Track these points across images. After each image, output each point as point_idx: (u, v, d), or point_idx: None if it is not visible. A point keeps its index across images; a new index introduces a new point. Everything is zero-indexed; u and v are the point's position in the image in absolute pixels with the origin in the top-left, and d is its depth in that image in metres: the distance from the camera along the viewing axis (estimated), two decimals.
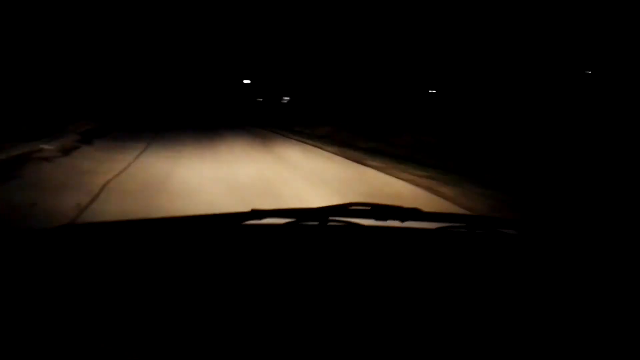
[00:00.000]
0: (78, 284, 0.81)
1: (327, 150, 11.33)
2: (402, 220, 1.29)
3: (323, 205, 1.28)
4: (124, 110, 21.52)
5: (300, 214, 1.26)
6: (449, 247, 1.18)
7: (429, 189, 6.53)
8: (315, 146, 12.35)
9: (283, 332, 0.69)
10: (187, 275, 0.88)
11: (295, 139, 14.45)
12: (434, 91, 29.05)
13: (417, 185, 6.79)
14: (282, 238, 1.16)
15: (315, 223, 1.24)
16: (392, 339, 0.69)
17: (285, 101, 40.71)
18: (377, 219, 1.27)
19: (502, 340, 0.72)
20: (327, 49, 28.66)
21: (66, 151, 9.13)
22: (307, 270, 0.94)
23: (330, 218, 1.25)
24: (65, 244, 1.05)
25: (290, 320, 0.73)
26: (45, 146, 9.12)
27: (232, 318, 0.72)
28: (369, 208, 1.27)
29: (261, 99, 45.45)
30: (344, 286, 0.86)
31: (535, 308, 0.85)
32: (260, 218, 1.22)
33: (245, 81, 42.59)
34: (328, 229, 1.24)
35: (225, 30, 36.95)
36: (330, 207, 1.28)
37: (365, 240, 1.19)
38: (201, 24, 34.55)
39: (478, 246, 1.21)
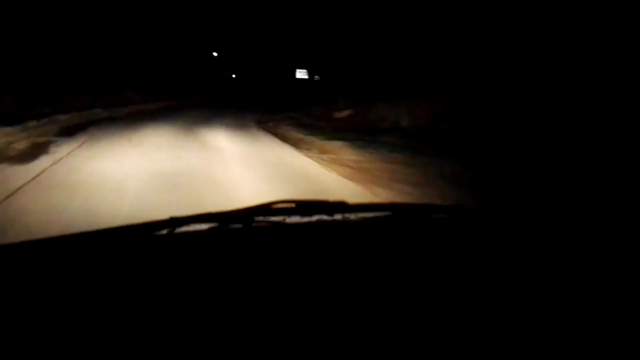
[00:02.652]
0: None
1: None
2: (329, 214, 1.29)
3: (246, 207, 1.25)
4: None
5: (222, 218, 1.21)
6: (376, 237, 1.18)
7: None
8: None
9: (207, 349, 0.67)
10: (97, 301, 0.80)
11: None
12: None
13: None
14: (204, 246, 1.12)
15: (240, 226, 1.20)
16: (315, 341, 0.69)
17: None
18: (302, 215, 1.26)
19: (431, 333, 0.71)
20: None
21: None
22: (233, 277, 0.92)
23: (255, 219, 1.23)
24: None
25: (215, 334, 0.70)
26: None
27: (152, 342, 0.68)
28: (293, 205, 1.26)
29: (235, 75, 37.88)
30: (272, 289, 0.86)
31: (469, 294, 0.83)
32: (180, 225, 1.16)
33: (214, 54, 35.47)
34: (253, 231, 1.21)
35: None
36: (254, 208, 1.25)
37: (292, 238, 1.17)
38: None
39: (406, 233, 1.22)
